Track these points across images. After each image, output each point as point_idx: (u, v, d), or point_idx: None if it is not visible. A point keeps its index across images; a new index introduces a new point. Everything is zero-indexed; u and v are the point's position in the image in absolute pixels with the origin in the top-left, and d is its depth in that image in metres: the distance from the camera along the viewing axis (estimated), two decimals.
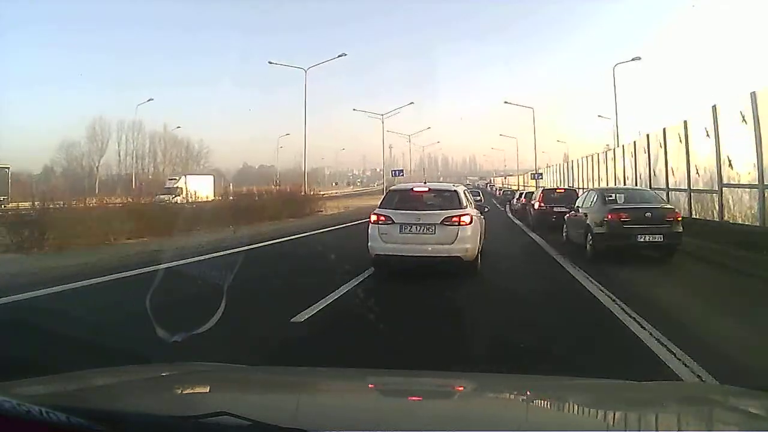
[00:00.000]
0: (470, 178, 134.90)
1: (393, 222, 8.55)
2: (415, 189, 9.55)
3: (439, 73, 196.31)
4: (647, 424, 1.58)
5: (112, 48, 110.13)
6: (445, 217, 8.47)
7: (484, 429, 1.42)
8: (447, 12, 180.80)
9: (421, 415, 1.66)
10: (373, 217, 8.79)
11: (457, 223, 8.42)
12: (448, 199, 9.10)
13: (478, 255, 8.92)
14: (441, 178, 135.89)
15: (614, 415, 1.71)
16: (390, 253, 8.51)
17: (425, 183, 10.34)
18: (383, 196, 9.66)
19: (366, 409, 1.74)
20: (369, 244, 8.76)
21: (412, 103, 59.93)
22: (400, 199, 9.21)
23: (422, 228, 8.44)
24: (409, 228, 8.46)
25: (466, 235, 8.45)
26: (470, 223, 8.61)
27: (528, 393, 1.96)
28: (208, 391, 1.96)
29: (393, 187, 10.12)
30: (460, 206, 8.90)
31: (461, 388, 2.04)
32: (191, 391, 1.93)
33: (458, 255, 8.35)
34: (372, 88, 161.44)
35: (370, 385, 2.08)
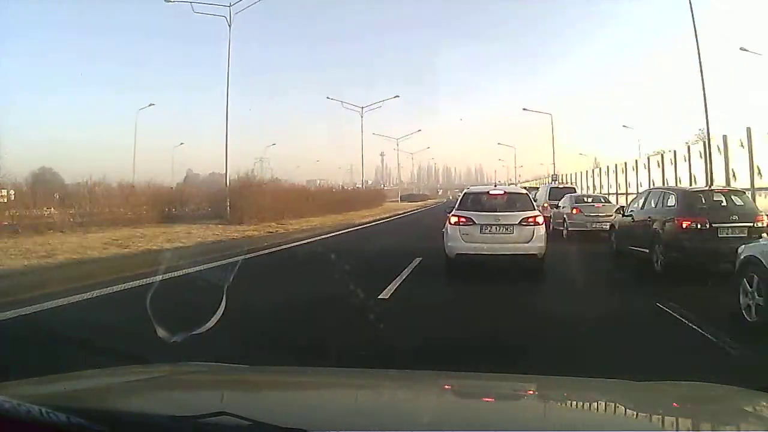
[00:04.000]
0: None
1: (474, 223, 9.11)
2: (491, 192, 10.16)
3: (441, 83, 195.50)
4: (647, 424, 1.58)
5: None
6: (523, 218, 9.07)
7: (484, 429, 1.42)
8: (450, 19, 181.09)
9: (421, 415, 1.65)
10: (453, 219, 9.26)
11: (533, 223, 9.06)
12: (521, 201, 9.72)
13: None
14: (440, 191, 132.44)
15: (614, 415, 1.71)
16: (472, 252, 9.01)
17: (496, 186, 11.32)
18: (460, 199, 10.02)
19: (366, 409, 1.74)
20: (448, 244, 9.27)
21: (397, 96, 55.59)
22: (478, 201, 9.77)
23: (501, 228, 9.05)
24: (489, 228, 9.06)
25: (541, 234, 9.07)
26: (543, 223, 9.36)
27: (528, 393, 1.96)
28: (208, 391, 1.96)
29: (468, 190, 10.55)
30: (533, 207, 9.65)
31: (461, 388, 2.04)
32: (191, 391, 1.93)
33: (534, 253, 8.96)
34: (368, 95, 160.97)
35: (370, 385, 2.08)
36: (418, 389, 2.02)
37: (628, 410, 1.72)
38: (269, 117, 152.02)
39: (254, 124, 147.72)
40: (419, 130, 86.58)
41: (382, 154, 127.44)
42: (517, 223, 9.01)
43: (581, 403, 1.85)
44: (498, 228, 9.05)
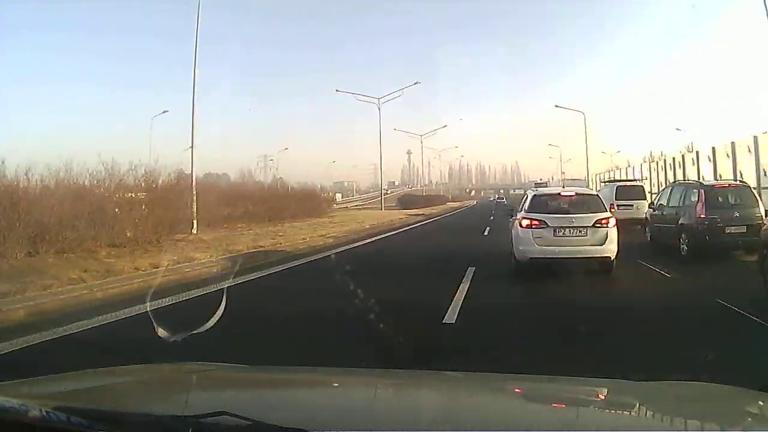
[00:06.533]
0: (517, 191, 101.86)
1: (547, 225, 8.85)
2: (562, 193, 9.95)
3: (473, 80, 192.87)
4: (647, 424, 1.58)
5: None
6: (597, 220, 8.83)
7: (483, 429, 1.42)
8: (473, 17, 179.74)
9: (420, 415, 1.65)
10: (525, 222, 9.02)
11: (606, 225, 8.83)
12: (593, 203, 9.44)
13: None
14: (472, 192, 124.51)
15: (614, 415, 1.71)
16: (545, 256, 8.79)
17: (563, 187, 11.04)
18: (529, 201, 9.64)
19: (366, 409, 1.74)
20: (519, 247, 9.05)
21: (417, 82, 48.77)
22: (548, 203, 9.48)
23: (575, 231, 8.83)
24: (562, 231, 8.84)
25: (614, 237, 8.85)
26: (616, 224, 9.07)
27: (528, 393, 1.96)
28: (208, 391, 1.96)
29: (537, 192, 10.23)
30: (605, 209, 9.35)
31: (461, 388, 2.04)
32: (191, 391, 1.93)
33: (608, 255, 8.73)
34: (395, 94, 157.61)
35: (370, 385, 2.08)
36: (418, 389, 2.02)
37: (628, 410, 1.72)
38: (283, 119, 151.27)
39: (269, 125, 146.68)
40: (445, 126, 78.25)
41: (408, 153, 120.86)
42: (590, 225, 8.79)
43: (581, 403, 1.85)
44: (572, 230, 8.83)
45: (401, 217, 32.61)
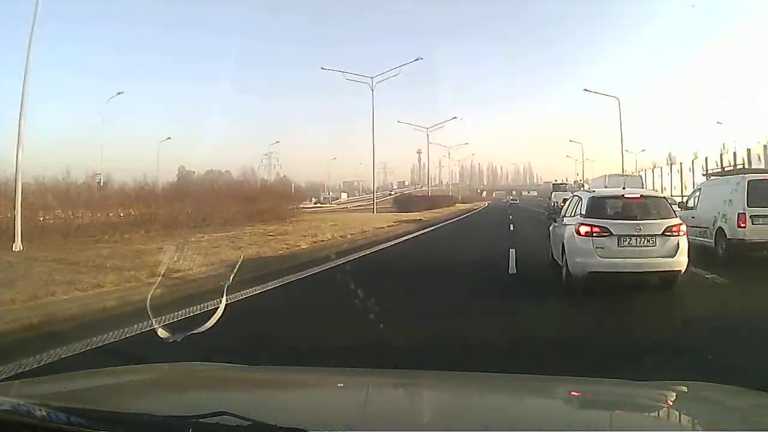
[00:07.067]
0: (531, 192, 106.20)
1: (611, 234, 7.71)
2: (627, 195, 8.60)
3: (488, 80, 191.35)
4: (647, 424, 1.58)
5: None
6: (667, 227, 7.74)
7: (483, 429, 1.42)
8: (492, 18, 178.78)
9: (420, 415, 1.66)
10: (584, 229, 7.87)
11: (677, 233, 7.76)
12: (661, 206, 8.31)
13: None
14: (483, 193, 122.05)
15: (614, 415, 1.71)
16: (609, 270, 7.70)
17: (624, 187, 9.45)
18: (586, 204, 8.41)
19: (366, 409, 1.74)
20: (576, 259, 7.91)
21: (419, 58, 39.04)
22: (610, 206, 8.36)
23: (643, 240, 7.70)
24: (628, 240, 7.71)
25: (685, 246, 7.80)
26: (687, 232, 8.12)
27: (528, 393, 1.96)
28: (208, 391, 1.96)
29: (596, 194, 8.99)
30: (674, 214, 8.31)
31: (461, 388, 2.04)
32: (191, 391, 1.94)
33: (679, 269, 7.73)
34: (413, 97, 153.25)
35: (370, 385, 2.08)
36: (418, 389, 2.02)
37: (628, 410, 1.72)
38: (290, 117, 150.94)
39: (275, 123, 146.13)
40: (454, 118, 71.84)
41: (418, 152, 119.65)
42: (660, 233, 7.67)
43: (581, 403, 1.85)
44: (639, 239, 7.67)
45: (382, 226, 22.32)
